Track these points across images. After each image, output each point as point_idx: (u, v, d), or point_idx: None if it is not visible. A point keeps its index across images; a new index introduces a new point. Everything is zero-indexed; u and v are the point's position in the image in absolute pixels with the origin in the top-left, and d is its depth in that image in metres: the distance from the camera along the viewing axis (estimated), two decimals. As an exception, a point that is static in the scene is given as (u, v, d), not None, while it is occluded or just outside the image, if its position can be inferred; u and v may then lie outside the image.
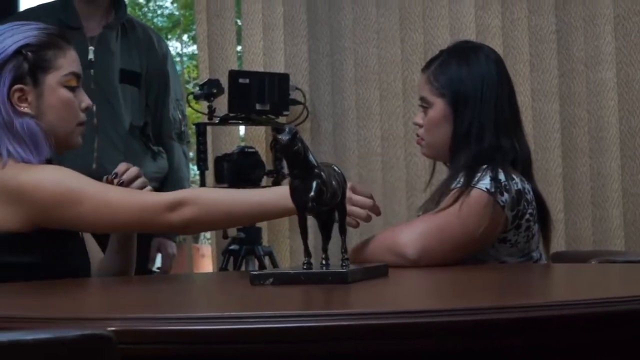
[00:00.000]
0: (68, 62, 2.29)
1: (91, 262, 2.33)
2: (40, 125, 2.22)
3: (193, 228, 2.31)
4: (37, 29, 2.30)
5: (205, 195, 2.30)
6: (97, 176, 3.50)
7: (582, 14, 3.48)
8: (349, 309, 1.48)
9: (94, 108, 3.49)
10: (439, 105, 2.40)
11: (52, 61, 2.26)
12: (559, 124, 3.49)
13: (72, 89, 2.28)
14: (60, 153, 2.36)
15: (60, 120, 2.27)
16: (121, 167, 2.37)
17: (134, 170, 2.33)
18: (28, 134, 2.20)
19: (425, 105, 2.43)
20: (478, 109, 2.36)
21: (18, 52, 2.22)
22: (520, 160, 2.38)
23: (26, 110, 2.21)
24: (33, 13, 3.76)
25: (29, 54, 2.23)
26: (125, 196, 2.20)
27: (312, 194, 1.78)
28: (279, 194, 2.15)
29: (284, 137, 1.75)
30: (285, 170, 3.64)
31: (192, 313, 1.48)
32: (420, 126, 2.45)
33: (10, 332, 1.10)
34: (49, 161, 2.24)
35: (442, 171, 2.48)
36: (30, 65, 2.23)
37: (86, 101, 2.32)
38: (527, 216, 2.30)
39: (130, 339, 1.20)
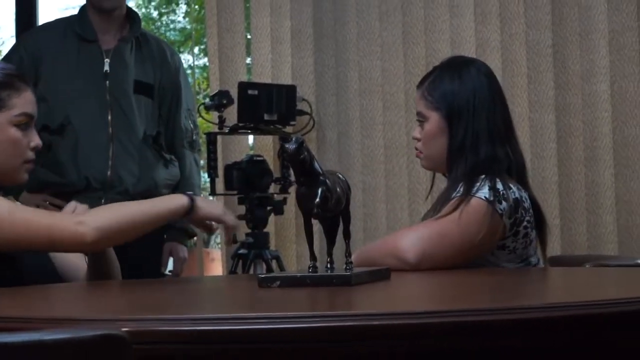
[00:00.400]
0: (21, 102, 2.32)
1: (76, 276, 2.36)
2: None
3: (104, 242, 2.28)
4: None
5: (99, 211, 2.33)
6: (112, 183, 3.53)
7: (578, 29, 3.49)
8: (352, 310, 1.49)
9: (109, 117, 3.52)
10: (434, 119, 2.41)
11: (5, 101, 2.30)
12: (555, 134, 3.50)
13: (22, 128, 2.31)
14: (4, 186, 2.38)
15: (5, 156, 2.30)
16: (69, 207, 2.40)
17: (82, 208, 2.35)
18: None
19: (422, 119, 2.44)
20: (471, 120, 2.37)
21: None
22: (515, 169, 2.39)
23: None
24: (51, 26, 3.78)
25: None
26: (32, 216, 2.20)
27: (317, 200, 1.79)
28: (170, 197, 2.17)
29: (291, 146, 1.76)
30: (292, 178, 3.64)
31: (203, 314, 1.49)
32: (418, 140, 2.46)
33: (29, 333, 1.11)
34: None
35: (442, 180, 2.49)
36: None
37: (35, 140, 2.35)
38: (525, 223, 2.31)
39: (143, 339, 1.20)
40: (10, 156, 2.30)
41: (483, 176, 2.30)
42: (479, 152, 2.35)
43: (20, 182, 2.40)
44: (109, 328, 1.09)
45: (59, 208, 3.53)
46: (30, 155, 2.34)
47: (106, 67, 3.58)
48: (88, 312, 1.58)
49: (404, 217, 3.72)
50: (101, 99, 3.56)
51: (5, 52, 4.83)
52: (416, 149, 2.49)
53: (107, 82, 3.57)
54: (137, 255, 3.57)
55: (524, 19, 3.56)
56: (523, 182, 2.40)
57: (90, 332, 1.07)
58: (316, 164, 1.81)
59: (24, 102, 2.32)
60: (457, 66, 2.46)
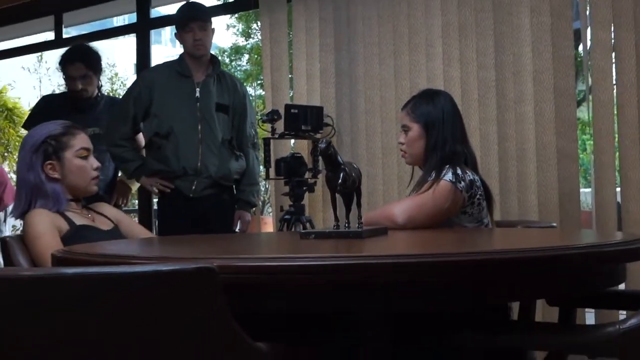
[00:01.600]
0: (78, 141, 2.39)
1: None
2: (63, 186, 2.33)
3: None
4: (56, 124, 2.40)
5: None
6: (201, 171, 3.54)
7: (512, 69, 3.47)
8: (363, 253, 1.51)
9: (199, 127, 3.53)
10: (415, 129, 2.42)
11: (67, 143, 2.36)
12: (496, 140, 3.49)
13: (84, 158, 2.37)
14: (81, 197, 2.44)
15: (77, 179, 2.37)
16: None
17: None
18: (52, 193, 2.30)
19: (406, 129, 2.45)
20: (441, 129, 2.38)
21: (45, 141, 2.33)
22: (469, 161, 2.40)
23: (56, 176, 2.31)
24: (160, 67, 3.80)
25: (52, 141, 2.33)
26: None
27: (340, 181, 1.80)
28: None
29: (322, 145, 1.78)
30: (320, 168, 3.65)
31: (267, 254, 1.51)
32: (402, 144, 2.47)
33: (148, 265, 1.12)
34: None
35: (418, 171, 2.49)
36: (54, 148, 2.33)
37: (95, 164, 2.42)
38: (478, 196, 2.32)
39: (227, 271, 1.22)
40: (80, 178, 2.38)
41: (447, 166, 2.31)
42: (445, 150, 2.36)
43: (91, 194, 2.46)
44: (204, 263, 1.10)
45: (165, 187, 3.58)
46: (94, 174, 2.41)
47: (197, 94, 3.60)
48: (190, 252, 1.60)
49: (394, 194, 3.72)
50: (194, 115, 3.58)
51: (128, 85, 4.85)
52: (401, 150, 2.50)
53: (198, 104, 3.59)
54: (217, 219, 3.60)
55: (476, 63, 3.55)
56: (475, 170, 2.41)
57: (192, 265, 1.08)
58: (339, 157, 1.82)
59: (80, 141, 2.39)
60: (430, 94, 2.48)
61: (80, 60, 3.81)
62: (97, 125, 3.73)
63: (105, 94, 4.19)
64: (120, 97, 4.18)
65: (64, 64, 3.86)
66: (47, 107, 3.94)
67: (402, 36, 3.74)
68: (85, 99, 3.84)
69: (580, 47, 5.09)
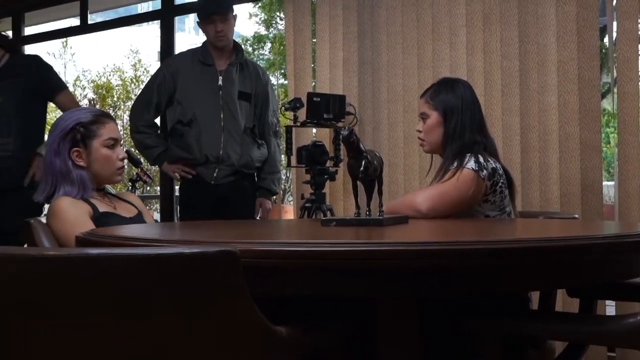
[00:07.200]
0: (107, 130, 2.40)
1: None
2: (90, 173, 2.35)
3: None
4: (87, 112, 2.44)
5: None
6: (223, 158, 3.55)
7: (536, 59, 3.44)
8: (384, 240, 1.51)
9: (222, 115, 3.55)
10: (434, 116, 2.41)
11: (95, 131, 2.37)
12: (519, 130, 3.47)
13: (110, 148, 2.39)
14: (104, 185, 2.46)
15: (102, 168, 2.39)
16: None
17: None
18: (79, 180, 2.32)
19: (424, 117, 2.44)
20: (459, 117, 2.38)
21: (74, 127, 2.33)
22: (489, 149, 2.39)
23: (81, 164, 2.32)
24: (183, 55, 3.82)
25: (81, 128, 2.35)
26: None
27: (362, 168, 1.81)
28: None
29: (344, 132, 1.78)
30: (341, 157, 3.66)
31: (288, 240, 1.51)
32: (420, 132, 2.46)
33: (172, 248, 1.14)
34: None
35: (437, 160, 2.48)
36: (82, 135, 2.34)
37: (122, 154, 2.44)
38: (500, 184, 2.31)
39: (248, 255, 1.23)
40: (105, 167, 2.40)
41: (469, 154, 2.31)
42: (464, 138, 2.35)
43: (115, 183, 2.52)
44: (227, 246, 1.11)
45: (187, 174, 3.60)
46: (120, 164, 2.43)
47: (220, 82, 3.62)
48: (212, 236, 1.61)
49: (415, 183, 3.72)
50: (216, 103, 3.59)
51: (152, 72, 4.88)
52: (419, 138, 2.49)
53: (220, 92, 3.61)
54: (238, 206, 3.62)
55: (500, 52, 3.52)
56: (496, 158, 2.40)
57: (216, 248, 1.09)
58: (361, 145, 1.82)
59: (109, 130, 2.40)
60: (449, 82, 2.48)
61: None
62: None
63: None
64: (144, 84, 4.21)
65: None
66: None
67: (426, 25, 3.72)
68: None
69: (606, 39, 5.04)
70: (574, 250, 1.34)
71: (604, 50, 5.83)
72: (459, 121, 2.36)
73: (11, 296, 1.03)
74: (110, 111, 11.35)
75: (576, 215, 2.89)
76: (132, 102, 3.85)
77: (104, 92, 11.90)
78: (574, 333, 1.54)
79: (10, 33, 5.28)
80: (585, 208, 3.30)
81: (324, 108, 3.63)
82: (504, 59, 3.51)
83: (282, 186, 8.29)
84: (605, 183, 3.74)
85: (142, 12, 5.80)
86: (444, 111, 2.39)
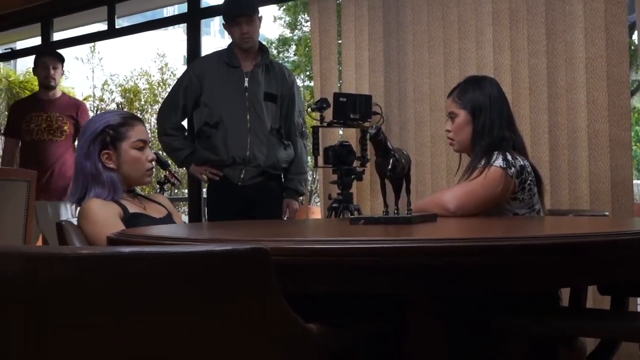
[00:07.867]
0: (136, 132, 2.42)
1: None
2: (119, 175, 2.37)
3: None
4: (116, 114, 2.45)
5: None
6: (249, 160, 3.56)
7: (564, 56, 3.42)
8: (413, 237, 1.51)
9: (248, 116, 3.57)
10: (462, 115, 2.41)
11: (124, 134, 2.39)
12: (547, 128, 3.44)
13: (140, 149, 2.40)
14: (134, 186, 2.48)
15: (132, 170, 2.40)
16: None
17: None
18: (109, 182, 2.33)
19: (453, 116, 2.43)
20: (487, 114, 2.37)
21: (103, 130, 2.34)
22: (517, 146, 2.38)
23: (111, 166, 2.34)
24: (209, 57, 3.84)
25: (110, 131, 2.36)
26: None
27: (389, 166, 1.81)
28: None
29: (372, 131, 1.78)
30: (368, 156, 3.65)
31: (317, 237, 1.52)
32: (449, 131, 2.46)
33: (202, 246, 1.14)
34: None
35: (466, 159, 2.48)
36: (111, 137, 2.36)
37: (151, 155, 2.45)
38: (528, 182, 2.30)
39: (278, 252, 1.23)
40: (135, 169, 2.41)
41: (497, 152, 2.30)
42: (493, 135, 2.35)
43: (145, 184, 2.52)
44: (257, 244, 1.11)
45: (214, 175, 3.62)
46: (149, 165, 2.44)
47: (246, 84, 3.63)
48: (242, 235, 1.62)
49: (442, 184, 3.71)
50: (243, 105, 3.61)
51: (178, 75, 4.91)
52: (448, 137, 2.49)
53: (247, 93, 3.62)
54: (265, 207, 3.63)
55: (527, 50, 3.50)
56: (524, 155, 2.39)
57: (247, 245, 1.10)
58: (389, 143, 1.82)
59: (138, 132, 2.42)
60: (476, 80, 2.47)
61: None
62: None
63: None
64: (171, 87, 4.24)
65: None
66: None
67: (452, 23, 3.71)
68: None
69: (634, 35, 4.98)
70: (606, 246, 1.33)
71: (632, 47, 5.76)
72: (488, 118, 2.36)
73: (43, 294, 1.04)
74: (138, 114, 11.45)
75: (607, 213, 2.86)
76: (159, 105, 3.88)
77: (132, 96, 11.99)
78: (606, 329, 1.53)
79: (39, 39, 5.35)
80: (615, 206, 3.26)
81: (351, 108, 3.62)
82: (531, 56, 3.49)
83: (309, 187, 8.29)
84: (635, 182, 3.69)
85: (168, 15, 5.83)
86: (472, 109, 2.38)
